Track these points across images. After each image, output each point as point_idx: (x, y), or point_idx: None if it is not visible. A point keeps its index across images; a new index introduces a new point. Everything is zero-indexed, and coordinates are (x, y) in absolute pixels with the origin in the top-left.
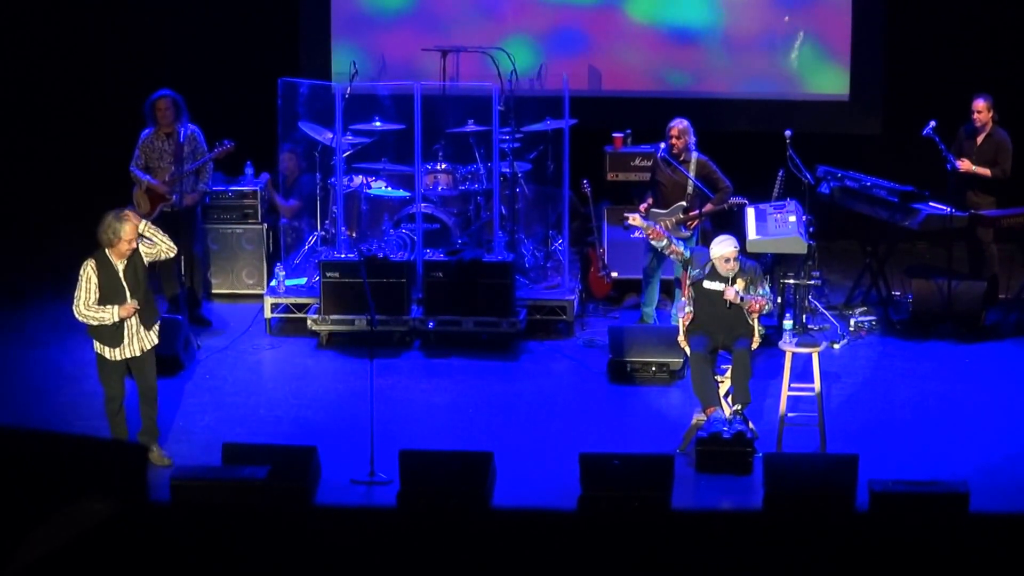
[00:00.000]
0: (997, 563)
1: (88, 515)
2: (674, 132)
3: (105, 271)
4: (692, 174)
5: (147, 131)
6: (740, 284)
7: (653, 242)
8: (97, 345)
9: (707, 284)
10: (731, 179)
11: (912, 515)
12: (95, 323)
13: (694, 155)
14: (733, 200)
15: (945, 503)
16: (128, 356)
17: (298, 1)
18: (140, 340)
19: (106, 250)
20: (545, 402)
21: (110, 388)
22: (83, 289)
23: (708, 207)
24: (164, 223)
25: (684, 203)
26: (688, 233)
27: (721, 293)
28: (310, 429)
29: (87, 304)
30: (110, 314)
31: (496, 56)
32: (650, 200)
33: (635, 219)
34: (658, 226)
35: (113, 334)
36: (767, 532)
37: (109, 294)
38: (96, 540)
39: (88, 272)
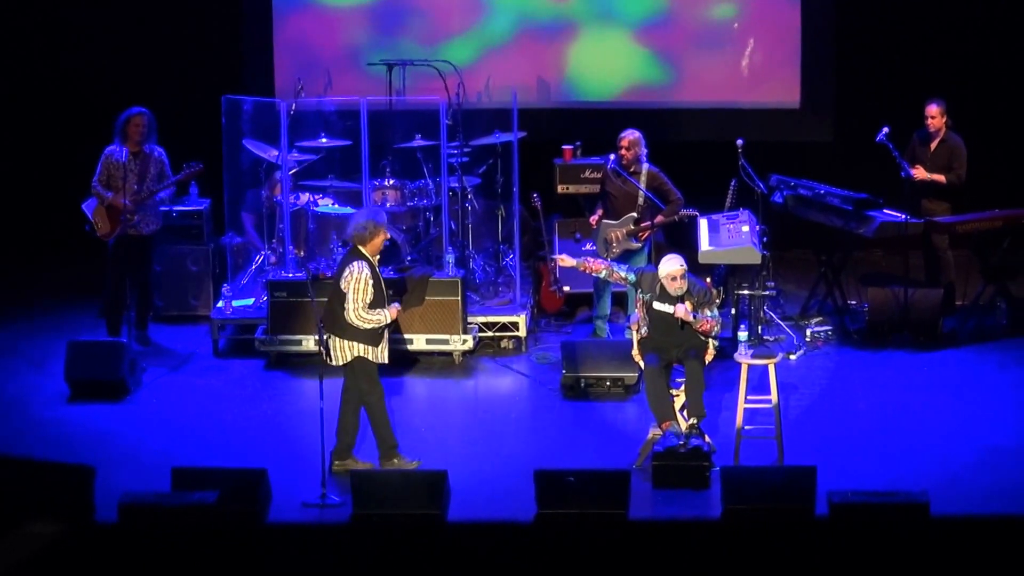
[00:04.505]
0: (957, 570)
1: (33, 538)
2: (624, 143)
3: (373, 272)
4: (643, 185)
5: (112, 147)
6: (689, 305)
7: (593, 275)
8: (360, 348)
9: (657, 306)
10: (683, 190)
11: (872, 526)
12: (372, 326)
13: (645, 166)
14: (684, 212)
15: (905, 513)
16: (384, 359)
17: (240, 18)
18: None
19: (364, 249)
20: (499, 419)
21: (379, 386)
22: (360, 292)
23: (659, 219)
24: (125, 245)
25: (635, 214)
26: (639, 245)
27: (672, 314)
28: (260, 452)
29: (365, 307)
30: (384, 317)
31: (443, 69)
32: (600, 212)
33: (564, 259)
34: (590, 259)
35: (377, 335)
36: (727, 547)
37: (379, 295)
38: (42, 563)
39: (365, 274)
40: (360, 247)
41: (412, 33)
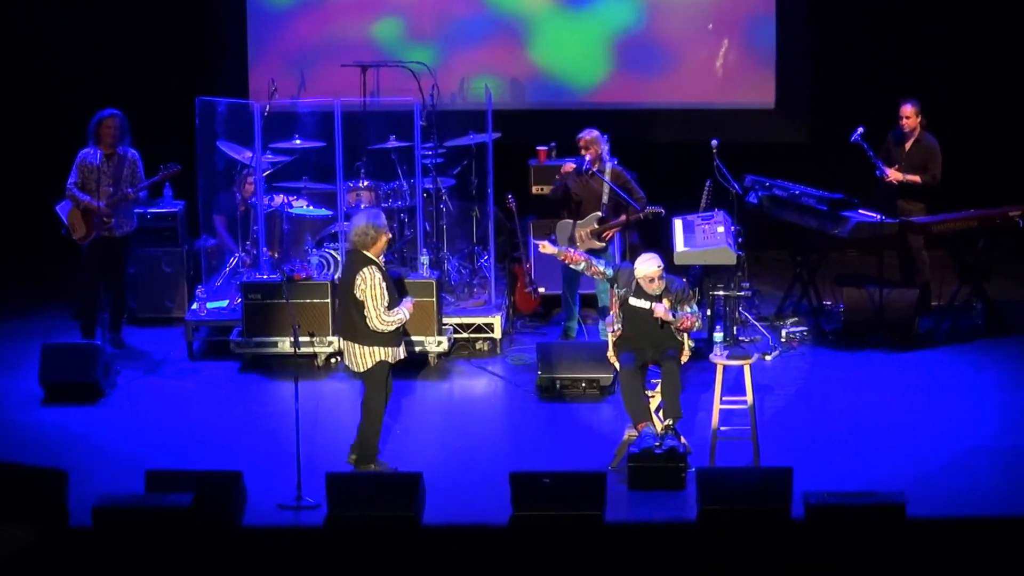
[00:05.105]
0: (934, 571)
1: (6, 543)
2: (582, 143)
3: (384, 275)
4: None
5: (86, 150)
6: (667, 303)
7: (572, 266)
8: (381, 352)
9: (633, 302)
10: (658, 190)
11: (848, 527)
12: (394, 327)
13: (608, 165)
14: (651, 209)
15: (881, 514)
16: (402, 355)
17: (213, 20)
18: None
19: (369, 253)
20: (474, 421)
21: (383, 394)
22: (378, 297)
23: (623, 218)
24: (99, 247)
25: (599, 213)
26: (603, 244)
27: (648, 310)
28: (235, 454)
29: (385, 311)
30: (404, 315)
31: (416, 70)
32: (570, 165)
33: (546, 247)
34: (572, 250)
35: (398, 334)
36: (703, 548)
37: (392, 296)
38: (15, 568)
39: (378, 279)
40: (364, 252)
41: (386, 34)
